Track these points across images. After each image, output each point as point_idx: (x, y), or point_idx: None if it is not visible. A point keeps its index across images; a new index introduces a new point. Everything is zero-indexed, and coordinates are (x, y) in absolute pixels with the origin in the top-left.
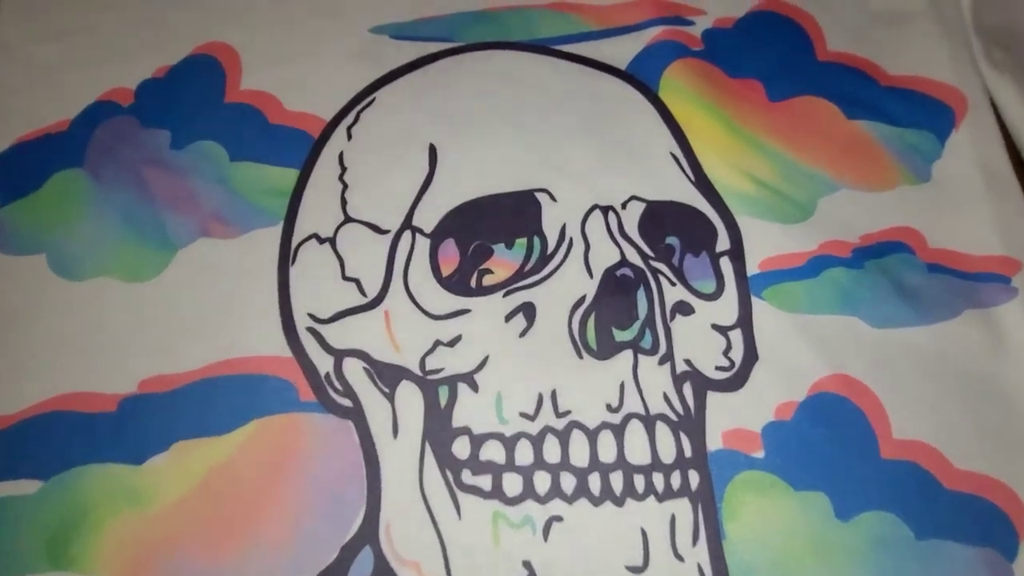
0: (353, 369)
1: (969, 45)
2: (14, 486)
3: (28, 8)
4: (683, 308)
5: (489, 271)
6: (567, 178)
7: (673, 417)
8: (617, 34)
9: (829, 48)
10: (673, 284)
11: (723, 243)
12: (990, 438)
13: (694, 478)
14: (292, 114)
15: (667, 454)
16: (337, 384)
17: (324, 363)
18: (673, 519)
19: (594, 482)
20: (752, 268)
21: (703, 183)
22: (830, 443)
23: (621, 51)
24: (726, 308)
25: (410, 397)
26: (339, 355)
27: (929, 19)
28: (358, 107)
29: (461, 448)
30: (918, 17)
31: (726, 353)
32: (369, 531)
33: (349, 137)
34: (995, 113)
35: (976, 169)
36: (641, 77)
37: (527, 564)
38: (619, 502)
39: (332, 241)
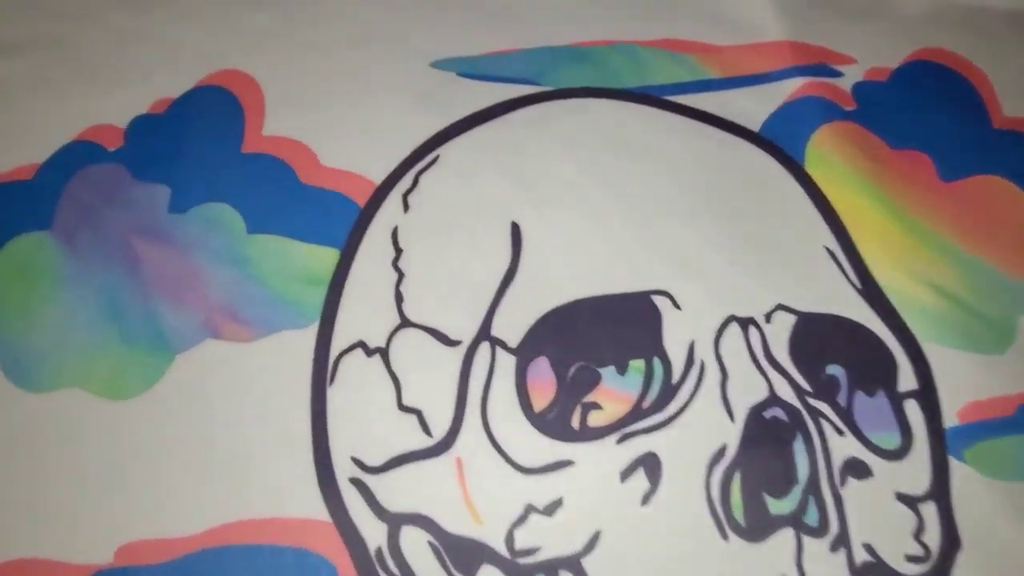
0: (414, 543)
1: None
2: None
3: None
4: (857, 469)
5: (596, 406)
6: (693, 277)
7: None
8: (747, 84)
9: (1006, 113)
10: (841, 433)
11: (907, 379)
12: None
13: None
14: (330, 172)
15: None
16: (393, 566)
17: (375, 533)
18: None
19: None
20: (949, 418)
21: (871, 291)
22: None
23: (753, 107)
24: (915, 471)
25: None
26: (395, 522)
27: None
28: (416, 167)
29: None
30: None
31: (918, 536)
32: None
33: (406, 207)
34: None
35: None
36: (781, 144)
37: None
38: None
39: (384, 353)
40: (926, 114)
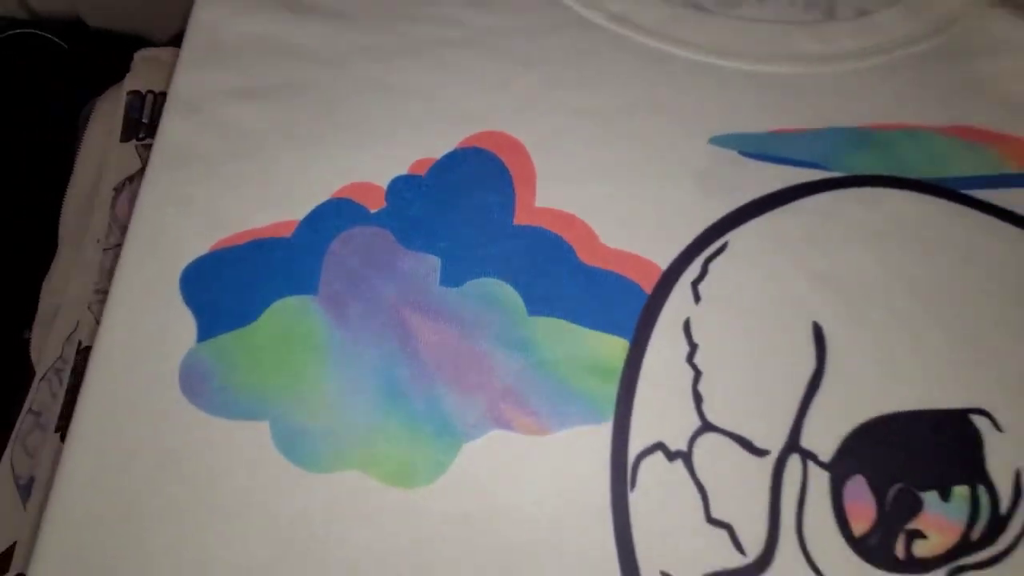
0: None
1: None
2: None
3: (220, 52)
4: None
5: (921, 534)
6: (1017, 398)
7: None
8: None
9: None
10: None
11: None
12: None
13: None
14: (612, 252)
15: None
16: None
17: None
18: None
19: None
20: None
21: None
22: None
23: None
24: None
25: None
26: None
27: None
28: (704, 254)
29: None
30: None
31: None
32: None
33: (697, 298)
34: None
35: None
36: None
37: None
38: None
39: (687, 458)
40: None
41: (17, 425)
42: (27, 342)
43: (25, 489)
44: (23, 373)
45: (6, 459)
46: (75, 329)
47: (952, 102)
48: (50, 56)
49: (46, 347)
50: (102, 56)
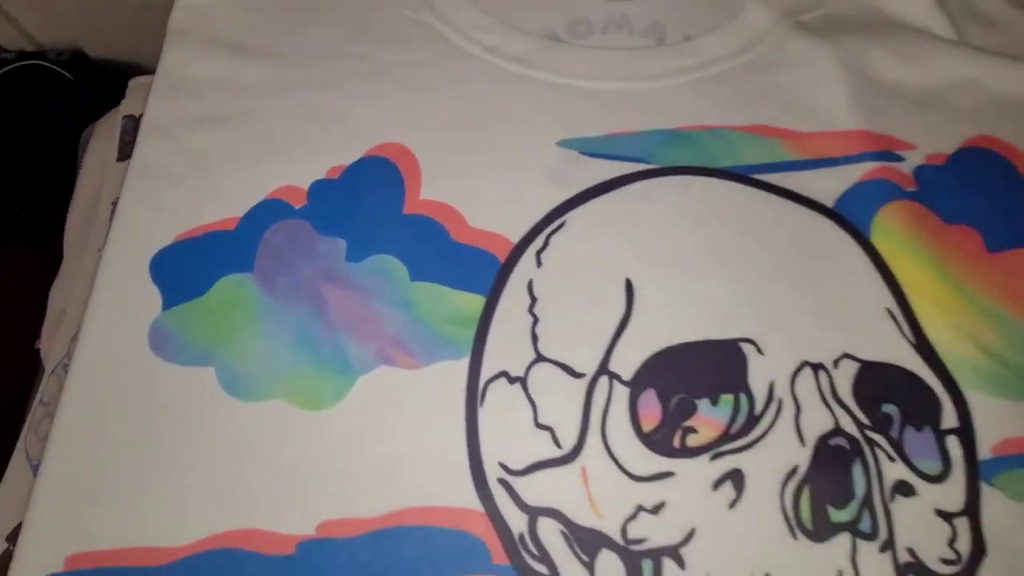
0: (549, 531)
1: None
2: None
3: (182, 87)
4: (904, 489)
5: (693, 430)
6: (774, 329)
7: None
8: (823, 166)
9: None
10: (892, 460)
11: (949, 419)
12: None
13: None
14: (476, 232)
15: None
16: (532, 547)
17: (518, 522)
18: None
19: None
20: (984, 451)
21: (924, 347)
22: None
23: (828, 186)
24: (952, 493)
25: (611, 569)
26: (534, 514)
27: None
28: (547, 230)
29: None
30: None
31: (951, 543)
32: None
33: (539, 263)
34: None
35: None
36: (850, 218)
37: None
38: None
39: (524, 382)
40: (975, 193)
41: (29, 415)
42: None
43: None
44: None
45: (20, 444)
46: (79, 329)
47: (752, 106)
48: (54, 84)
49: (54, 346)
50: (101, 84)
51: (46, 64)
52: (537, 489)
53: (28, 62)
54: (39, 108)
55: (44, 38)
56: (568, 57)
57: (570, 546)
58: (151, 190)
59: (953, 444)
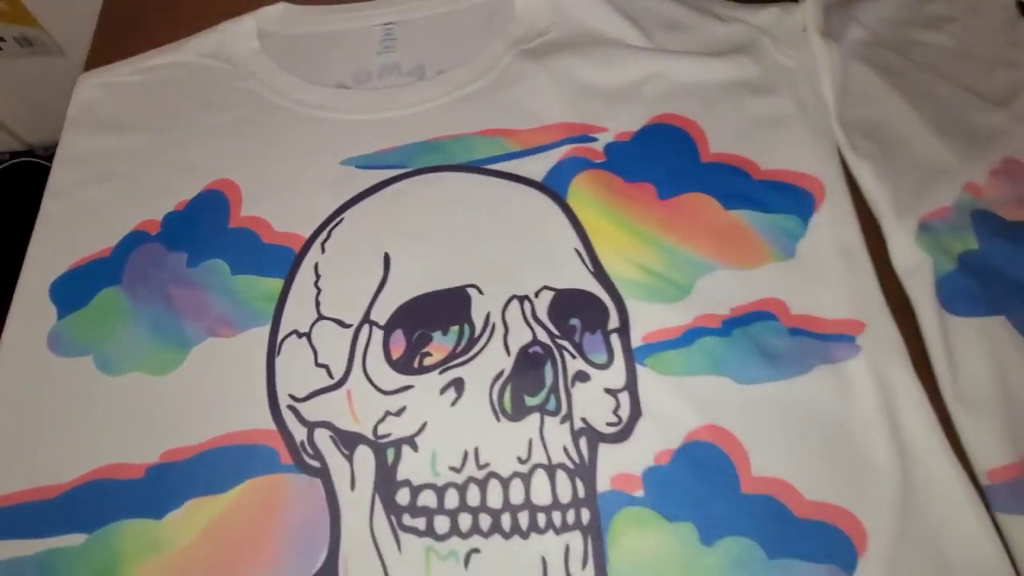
0: (321, 437)
1: (832, 139)
2: (65, 539)
3: (77, 159)
4: (581, 376)
5: (429, 354)
6: (493, 275)
7: (571, 466)
8: (535, 152)
9: (712, 150)
10: (574, 357)
11: (614, 322)
12: (836, 472)
13: (585, 515)
14: (280, 234)
15: (565, 496)
16: (309, 449)
17: (299, 433)
18: (567, 548)
19: (506, 520)
20: (636, 341)
21: (600, 274)
22: (699, 482)
23: (537, 167)
24: (616, 375)
25: (365, 458)
26: (311, 426)
27: (798, 120)
28: (330, 226)
29: (403, 497)
30: (789, 119)
31: (615, 411)
32: (330, 565)
33: (323, 250)
34: (853, 197)
35: (832, 245)
36: (553, 187)
37: None
38: (525, 535)
39: (308, 335)
40: (653, 157)
41: None
42: None
43: None
44: None
45: None
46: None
47: (487, 116)
48: (44, 177)
49: None
50: None
51: (35, 160)
52: (314, 409)
53: (19, 160)
54: (33, 200)
55: (31, 137)
56: (353, 99)
57: (336, 445)
58: (52, 234)
59: (615, 339)
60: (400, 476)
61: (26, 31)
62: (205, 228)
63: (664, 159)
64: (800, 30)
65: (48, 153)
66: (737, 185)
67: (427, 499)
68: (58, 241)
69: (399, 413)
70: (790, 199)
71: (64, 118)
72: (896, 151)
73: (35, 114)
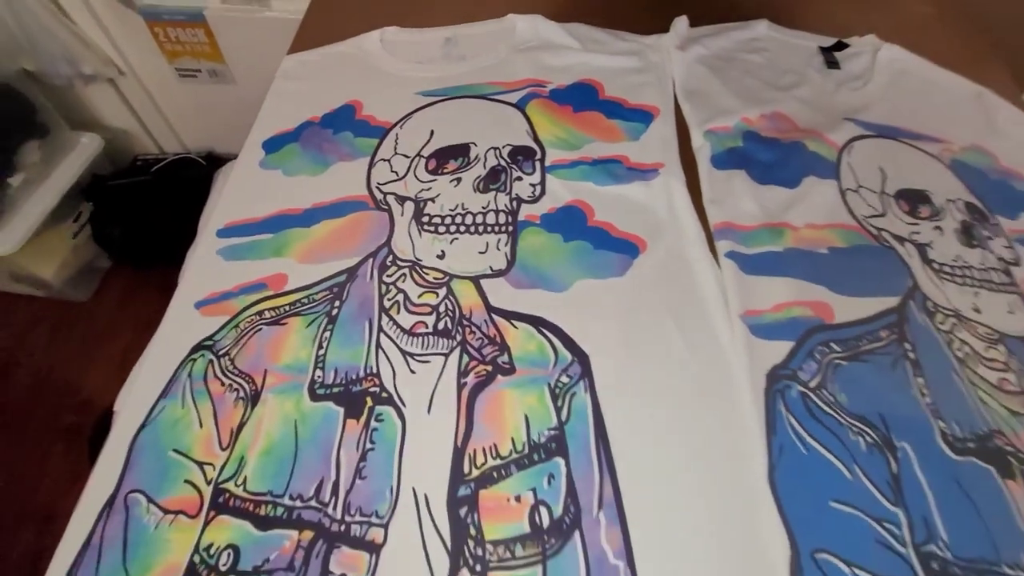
0: (390, 198)
1: (671, 94)
2: (263, 236)
3: (282, 91)
4: (519, 178)
5: (446, 168)
6: (482, 138)
7: (507, 212)
8: (514, 92)
9: (605, 94)
10: (516, 171)
11: (539, 156)
12: (635, 215)
13: (510, 228)
14: (381, 121)
15: (502, 220)
16: (384, 203)
17: (379, 196)
18: (499, 240)
19: (472, 226)
20: (548, 163)
21: (536, 139)
22: (566, 220)
23: (513, 97)
24: (536, 177)
25: (410, 206)
26: (384, 194)
27: (655, 85)
28: (404, 118)
29: (425, 219)
30: (650, 84)
31: (533, 191)
32: (388, 246)
33: (400, 127)
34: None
35: (659, 136)
36: (520, 105)
37: None
38: (480, 233)
39: (389, 161)
40: (573, 94)
41: None
42: None
43: None
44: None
45: None
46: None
47: (493, 75)
48: (196, 168)
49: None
50: (217, 165)
51: (191, 156)
52: (387, 188)
53: (182, 156)
54: (190, 181)
55: (192, 144)
56: (424, 68)
57: (397, 201)
58: (265, 119)
59: (538, 164)
60: (425, 211)
61: (215, 66)
62: (342, 119)
63: (579, 97)
64: (666, 46)
65: (201, 155)
66: (615, 109)
67: (436, 220)
68: (267, 123)
69: (429, 188)
70: (640, 114)
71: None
72: (707, 101)
73: (202, 126)
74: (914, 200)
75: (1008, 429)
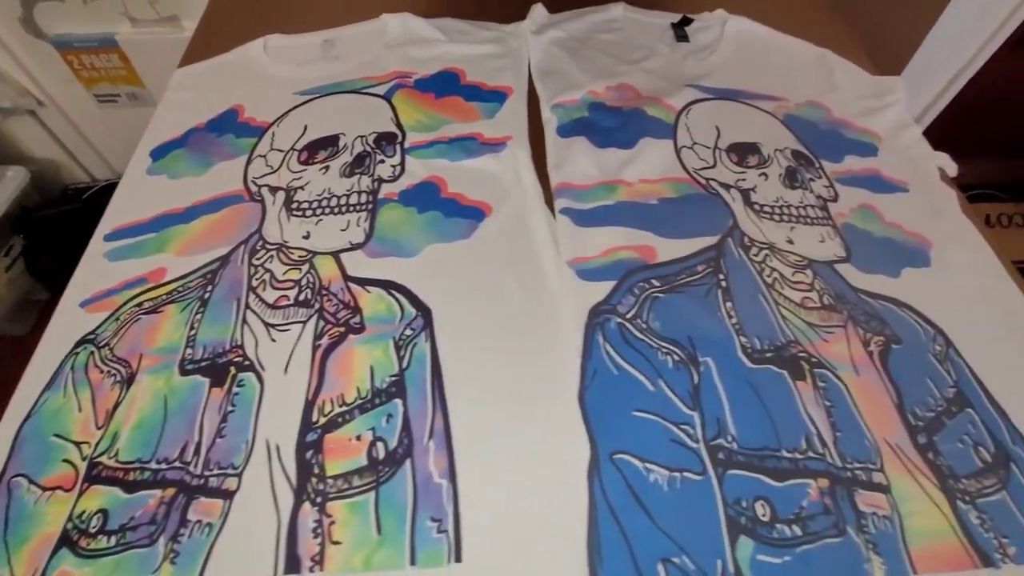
0: (264, 190)
1: (526, 76)
2: (148, 235)
3: (171, 101)
4: (381, 161)
5: (316, 159)
6: (350, 129)
7: (368, 192)
8: (383, 84)
9: (467, 80)
10: (379, 155)
11: (399, 140)
12: (484, 183)
13: (369, 206)
14: (260, 121)
15: (363, 199)
16: (257, 195)
17: (254, 188)
18: (359, 217)
19: (335, 207)
20: (408, 145)
21: (399, 125)
22: (420, 195)
23: (382, 89)
24: (397, 159)
25: (280, 196)
26: (259, 186)
27: (511, 68)
28: (280, 118)
29: (294, 206)
30: (507, 67)
31: (394, 172)
32: (259, 231)
33: (277, 126)
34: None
35: (512, 111)
36: (387, 96)
37: None
38: (342, 213)
39: (265, 156)
40: (433, 83)
41: None
42: None
43: None
44: None
45: None
46: None
47: (366, 71)
48: None
49: None
50: None
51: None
52: (262, 180)
53: (114, 180)
54: None
55: (120, 168)
56: (306, 70)
57: (270, 192)
58: (152, 131)
59: (398, 147)
60: (295, 198)
61: (135, 89)
62: (226, 123)
63: (442, 84)
64: (524, 31)
65: None
66: (474, 92)
67: (304, 205)
68: (155, 134)
69: (299, 178)
70: (497, 95)
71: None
72: (558, 79)
73: (130, 150)
74: (743, 151)
75: (804, 339)
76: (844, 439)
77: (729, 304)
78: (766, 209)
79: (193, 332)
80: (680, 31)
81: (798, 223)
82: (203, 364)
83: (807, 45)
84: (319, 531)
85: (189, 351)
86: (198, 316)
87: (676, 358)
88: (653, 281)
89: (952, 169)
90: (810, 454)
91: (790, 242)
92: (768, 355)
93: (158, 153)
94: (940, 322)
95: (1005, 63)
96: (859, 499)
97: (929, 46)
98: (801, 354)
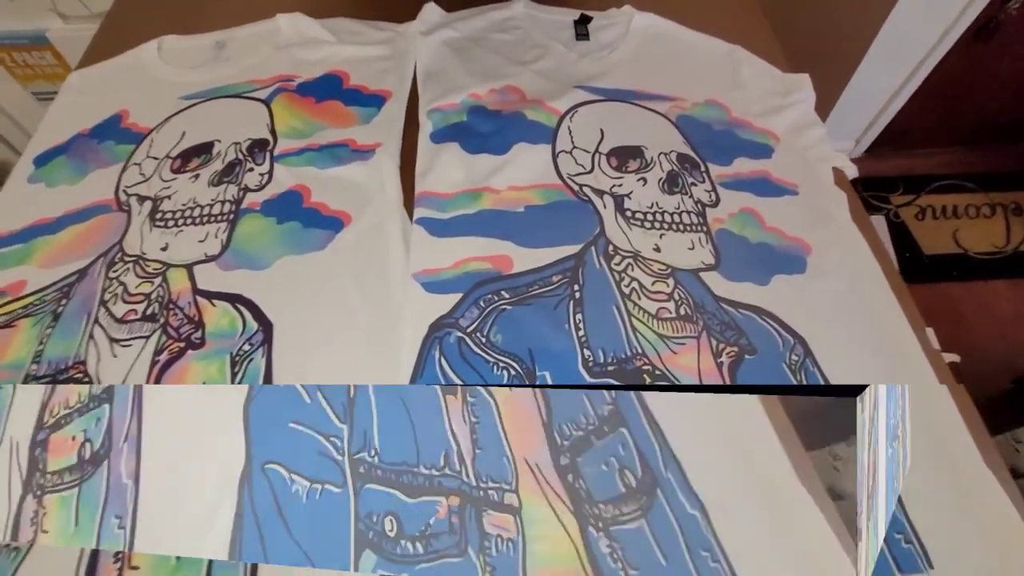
0: (133, 200)
1: (411, 77)
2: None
3: (62, 104)
4: (251, 168)
5: (188, 167)
6: (225, 135)
7: (230, 204)
8: (265, 88)
9: (351, 83)
10: (250, 162)
11: (271, 147)
12: (351, 192)
13: (230, 210)
14: (142, 127)
15: (224, 209)
16: (125, 205)
17: (124, 198)
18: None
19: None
20: (277, 152)
21: (272, 131)
22: (285, 204)
23: (263, 93)
24: (266, 167)
25: (147, 205)
26: (128, 195)
27: (394, 70)
28: (161, 124)
29: (160, 214)
30: (391, 70)
31: (261, 181)
32: (120, 242)
33: (157, 132)
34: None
35: (388, 117)
36: (267, 101)
37: None
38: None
39: (139, 165)
40: (318, 87)
41: None
42: None
43: None
44: None
45: None
46: None
47: (253, 74)
48: None
49: None
50: None
51: None
52: (132, 190)
53: None
54: None
55: None
56: (195, 73)
57: (138, 202)
58: (39, 136)
59: (269, 155)
60: (160, 208)
61: None
62: (109, 129)
63: (324, 88)
64: (413, 32)
65: None
66: (355, 96)
67: (168, 216)
68: (43, 137)
69: (168, 187)
70: (376, 99)
71: None
72: (441, 81)
73: None
74: (624, 156)
75: (652, 352)
76: (483, 457)
77: (579, 316)
78: (637, 216)
79: (41, 347)
80: (581, 28)
81: (669, 230)
82: (44, 380)
83: (716, 41)
84: (35, 520)
85: (34, 367)
86: (48, 331)
87: (512, 372)
88: (503, 293)
89: (851, 171)
90: (447, 471)
91: (657, 249)
92: (610, 368)
93: (41, 160)
94: (804, 330)
95: (964, 54)
96: (487, 520)
97: (885, 38)
98: (645, 367)
